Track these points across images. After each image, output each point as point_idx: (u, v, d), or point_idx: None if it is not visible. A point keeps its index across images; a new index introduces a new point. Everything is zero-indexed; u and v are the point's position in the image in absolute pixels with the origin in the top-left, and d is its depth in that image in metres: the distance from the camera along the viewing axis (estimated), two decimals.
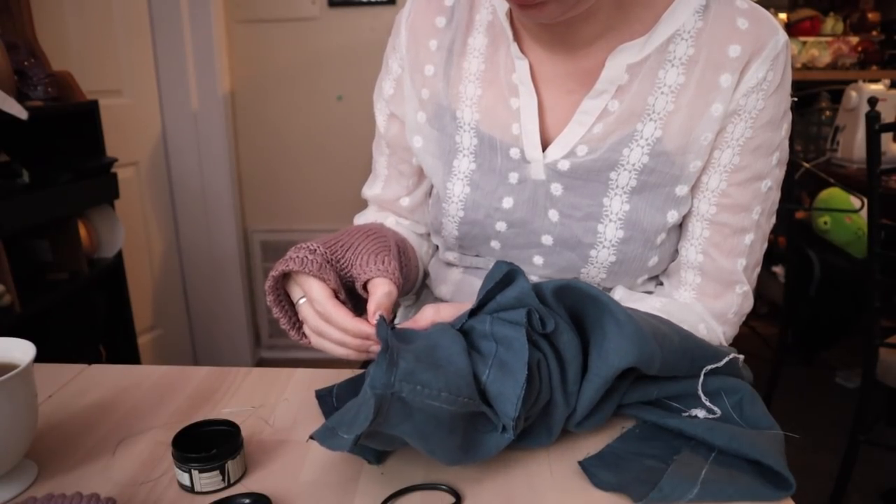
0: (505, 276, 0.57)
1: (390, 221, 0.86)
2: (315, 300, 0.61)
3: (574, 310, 0.59)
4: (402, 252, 0.75)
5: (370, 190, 0.88)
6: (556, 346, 0.57)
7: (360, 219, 0.89)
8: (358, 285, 0.65)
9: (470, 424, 0.54)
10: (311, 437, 0.53)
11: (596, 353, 0.57)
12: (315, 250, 0.63)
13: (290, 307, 0.68)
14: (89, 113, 1.79)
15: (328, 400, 0.67)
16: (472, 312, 0.58)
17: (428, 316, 0.60)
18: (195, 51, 2.35)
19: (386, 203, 0.87)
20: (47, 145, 1.76)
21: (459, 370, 0.52)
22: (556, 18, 0.63)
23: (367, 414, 0.48)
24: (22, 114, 1.45)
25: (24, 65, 1.63)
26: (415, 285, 0.87)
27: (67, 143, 1.79)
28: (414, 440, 0.51)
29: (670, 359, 0.58)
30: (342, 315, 0.60)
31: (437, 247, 0.87)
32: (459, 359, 0.53)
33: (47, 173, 1.63)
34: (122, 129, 2.14)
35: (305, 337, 0.66)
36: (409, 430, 0.51)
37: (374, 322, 0.59)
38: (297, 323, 0.68)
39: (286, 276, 0.66)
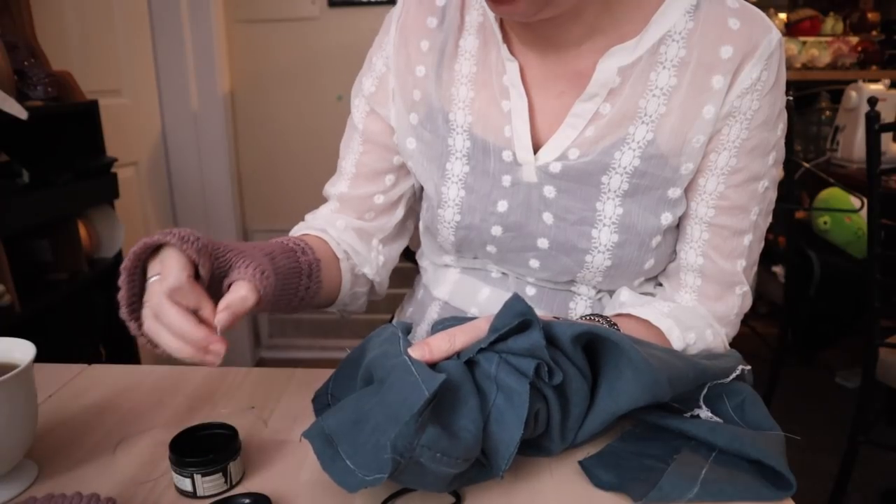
0: (520, 323, 0.54)
1: (339, 224, 0.81)
2: (166, 278, 0.53)
3: (591, 347, 0.58)
4: (307, 273, 0.70)
5: (334, 187, 0.84)
6: (563, 390, 0.56)
7: (309, 218, 0.85)
8: (225, 283, 0.58)
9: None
10: (329, 473, 0.51)
11: (606, 390, 0.57)
12: (199, 236, 0.56)
13: (141, 288, 0.57)
14: (89, 113, 1.79)
15: (323, 399, 0.65)
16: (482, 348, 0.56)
17: (443, 348, 0.55)
18: (195, 51, 2.35)
19: (353, 201, 0.82)
20: (47, 145, 1.76)
21: (478, 430, 0.51)
22: (529, 16, 0.62)
23: (381, 469, 0.47)
24: (22, 114, 1.45)
25: (24, 65, 1.63)
26: (334, 302, 0.81)
27: (67, 143, 1.79)
28: (415, 487, 0.53)
29: (680, 391, 0.58)
30: (181, 320, 0.52)
31: (423, 248, 0.86)
32: (477, 418, 0.51)
33: (47, 173, 1.63)
34: (122, 129, 2.14)
35: (141, 328, 0.55)
36: (414, 484, 0.52)
37: (217, 324, 0.53)
38: (139, 308, 0.56)
39: (152, 253, 0.57)
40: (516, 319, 0.54)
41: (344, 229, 0.81)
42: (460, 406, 0.52)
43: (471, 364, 0.55)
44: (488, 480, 0.55)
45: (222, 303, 0.54)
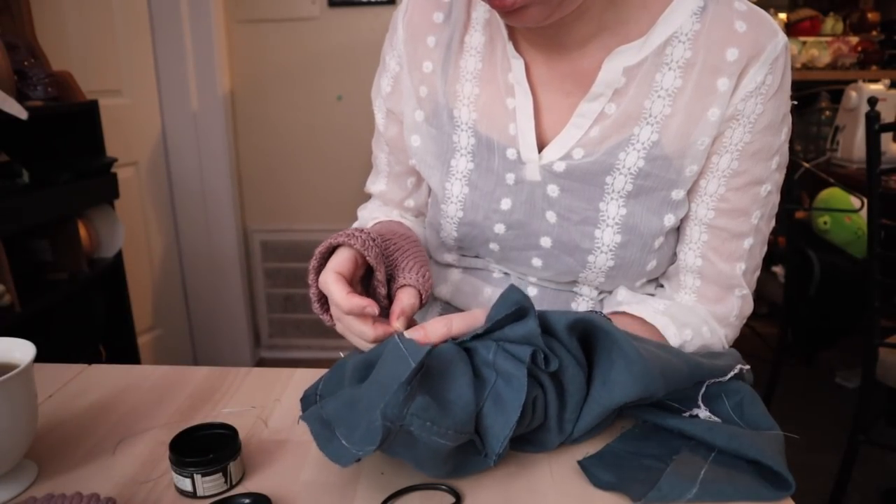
0: (516, 311, 0.55)
1: (394, 216, 0.87)
2: (322, 275, 0.61)
3: (585, 338, 0.58)
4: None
5: (374, 185, 0.89)
6: (559, 379, 0.56)
7: (364, 211, 0.89)
8: (394, 286, 0.65)
9: (460, 448, 0.54)
10: (315, 440, 0.52)
11: (600, 381, 0.57)
12: (375, 239, 0.63)
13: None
14: (89, 113, 1.79)
15: (312, 399, 0.64)
16: (479, 335, 0.58)
17: (440, 332, 0.57)
18: (195, 51, 2.35)
19: (391, 202, 0.88)
20: (47, 145, 1.76)
21: (467, 405, 0.52)
22: (540, 22, 0.62)
23: (372, 439, 0.48)
24: (22, 114, 1.45)
25: (24, 65, 1.63)
26: None
27: (67, 143, 1.79)
28: (409, 462, 0.53)
29: (676, 387, 0.58)
30: (338, 289, 0.59)
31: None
32: (467, 392, 0.52)
33: (47, 173, 1.63)
34: (122, 129, 2.14)
35: (332, 320, 0.65)
36: (407, 457, 0.52)
37: (395, 325, 0.61)
38: (326, 302, 0.66)
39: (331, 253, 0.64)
40: (512, 308, 0.55)
41: (400, 219, 0.87)
42: (451, 381, 0.53)
43: (470, 353, 0.56)
44: (484, 471, 0.55)
45: (396, 309, 0.62)
